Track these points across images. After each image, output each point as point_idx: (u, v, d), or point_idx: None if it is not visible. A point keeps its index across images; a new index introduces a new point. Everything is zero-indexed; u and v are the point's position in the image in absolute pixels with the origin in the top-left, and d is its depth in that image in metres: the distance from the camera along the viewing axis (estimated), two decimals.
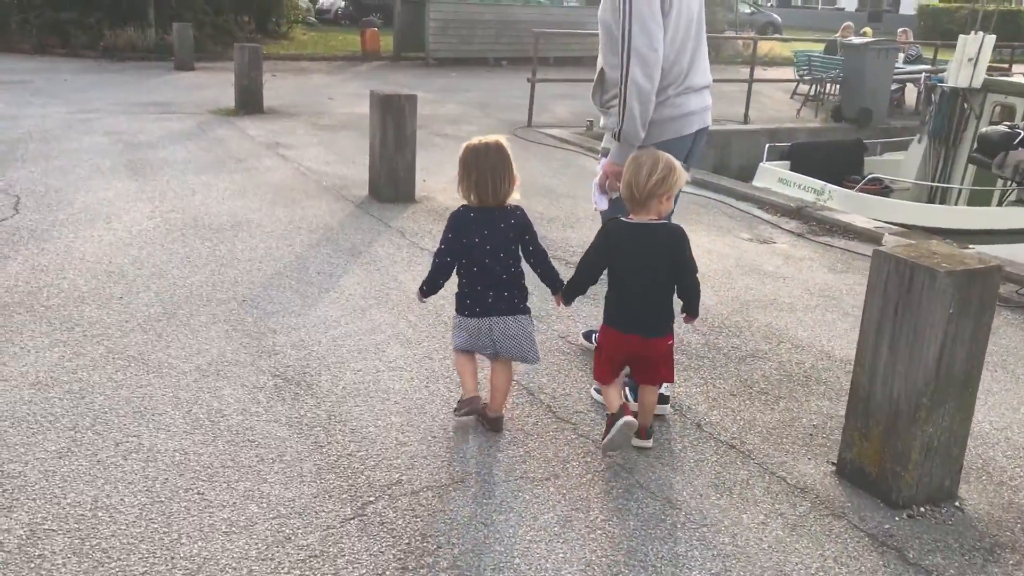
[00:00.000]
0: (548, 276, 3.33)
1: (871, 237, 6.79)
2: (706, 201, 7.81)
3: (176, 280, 4.79)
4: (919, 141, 12.05)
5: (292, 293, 4.70)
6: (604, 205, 3.54)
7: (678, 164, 3.07)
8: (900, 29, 15.81)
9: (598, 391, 3.54)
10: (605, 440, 3.13)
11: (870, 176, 10.57)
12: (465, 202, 3.23)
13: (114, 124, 9.63)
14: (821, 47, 16.54)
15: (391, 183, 6.88)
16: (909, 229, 7.53)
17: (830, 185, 9.95)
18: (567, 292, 3.32)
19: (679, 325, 3.32)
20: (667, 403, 3.56)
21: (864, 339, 3.00)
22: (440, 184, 7.51)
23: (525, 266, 3.30)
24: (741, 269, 5.74)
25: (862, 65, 12.98)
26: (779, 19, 35.75)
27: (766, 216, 7.44)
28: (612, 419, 3.11)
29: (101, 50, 16.52)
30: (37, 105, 10.60)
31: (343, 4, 29.69)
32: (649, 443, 3.26)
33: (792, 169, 11.59)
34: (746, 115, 12.84)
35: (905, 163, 12.21)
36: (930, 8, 38.19)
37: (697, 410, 3.62)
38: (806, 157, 11.85)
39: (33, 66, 14.59)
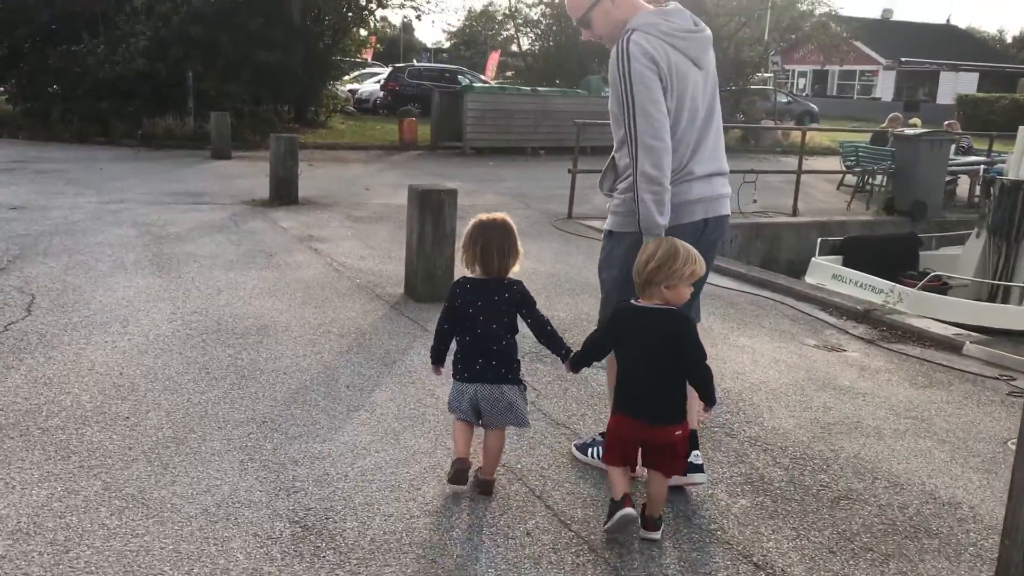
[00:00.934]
0: (551, 344, 3.44)
1: (950, 345, 6.20)
2: (765, 302, 7.28)
3: (191, 396, 4.32)
4: (977, 236, 11.48)
5: (318, 412, 4.20)
6: None
7: (685, 253, 3.05)
8: (947, 121, 15.40)
9: (579, 449, 3.68)
10: (607, 525, 3.10)
11: (933, 274, 9.97)
12: (469, 273, 3.41)
13: (144, 215, 9.36)
14: (867, 137, 16.13)
15: (428, 282, 6.44)
16: (986, 334, 6.93)
17: (897, 285, 9.36)
18: (575, 361, 3.37)
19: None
20: (702, 472, 3.53)
21: (1016, 504, 2.44)
22: None
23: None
24: (814, 383, 5.17)
25: (915, 157, 12.52)
26: (816, 108, 35.61)
27: (831, 320, 6.89)
28: (613, 506, 3.10)
29: (139, 138, 16.55)
30: (69, 195, 10.40)
31: (382, 94, 29.97)
32: (657, 535, 3.17)
33: (845, 264, 11.08)
34: (795, 207, 12.37)
35: (963, 258, 11.62)
36: (969, 98, 37.93)
37: (793, 573, 3.03)
38: (859, 251, 11.34)
39: (71, 155, 14.56)
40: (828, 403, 4.83)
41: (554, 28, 26.47)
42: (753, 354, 5.71)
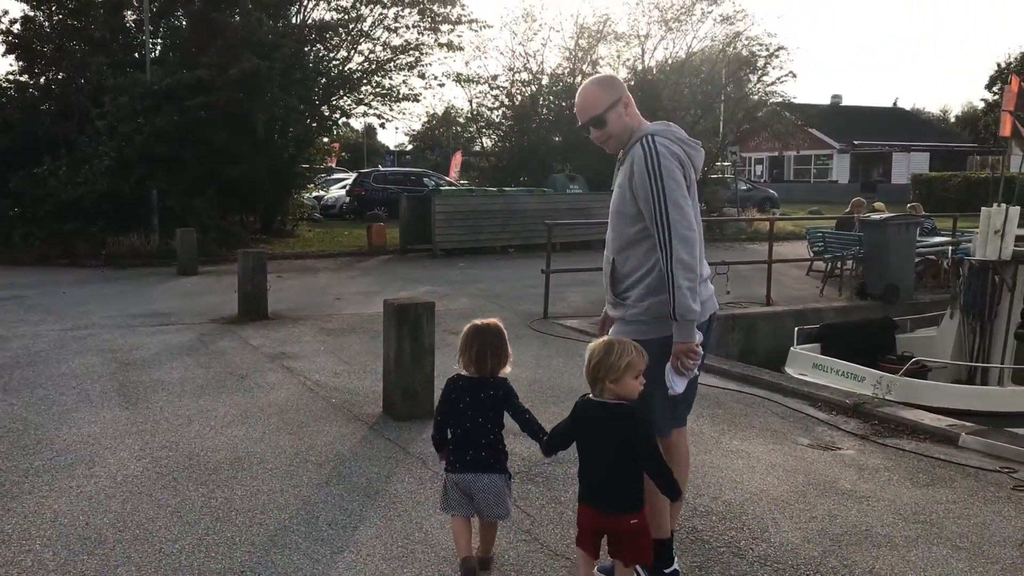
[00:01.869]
0: (530, 430, 3.76)
1: (945, 437, 6.06)
2: (751, 399, 7.14)
3: (163, 546, 4.03)
4: (951, 316, 11.49)
5: (300, 557, 3.93)
6: (681, 388, 3.48)
7: (619, 347, 3.24)
8: (910, 203, 15.65)
9: None
10: None
11: (914, 359, 9.91)
12: (463, 371, 3.73)
13: (109, 340, 9.09)
14: (832, 223, 16.31)
15: (408, 399, 6.23)
16: (977, 422, 6.80)
17: (883, 374, 9.27)
18: (546, 446, 3.58)
19: None
20: None
21: None
22: None
23: None
24: (815, 489, 4.98)
25: (884, 240, 12.62)
26: (775, 194, 36.30)
27: (821, 415, 6.74)
28: None
29: (103, 258, 16.31)
30: (31, 323, 10.11)
31: (348, 199, 30.11)
32: None
33: (823, 351, 10.99)
34: (768, 296, 12.36)
35: (939, 340, 11.60)
36: (923, 177, 38.89)
37: None
38: (837, 338, 11.26)
39: (32, 279, 14.26)
40: (833, 510, 4.64)
41: (515, 129, 26.89)
42: (748, 459, 5.53)
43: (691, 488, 4.91)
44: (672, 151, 3.44)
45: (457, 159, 38.49)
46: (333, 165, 37.36)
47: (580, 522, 3.37)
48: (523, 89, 26.88)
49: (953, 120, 70.79)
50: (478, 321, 3.80)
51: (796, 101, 29.73)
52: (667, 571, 3.60)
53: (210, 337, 9.32)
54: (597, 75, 3.75)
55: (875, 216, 13.18)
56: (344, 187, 31.76)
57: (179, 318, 10.54)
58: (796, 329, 11.15)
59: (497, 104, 27.18)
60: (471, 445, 3.69)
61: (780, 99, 27.35)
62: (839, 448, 5.89)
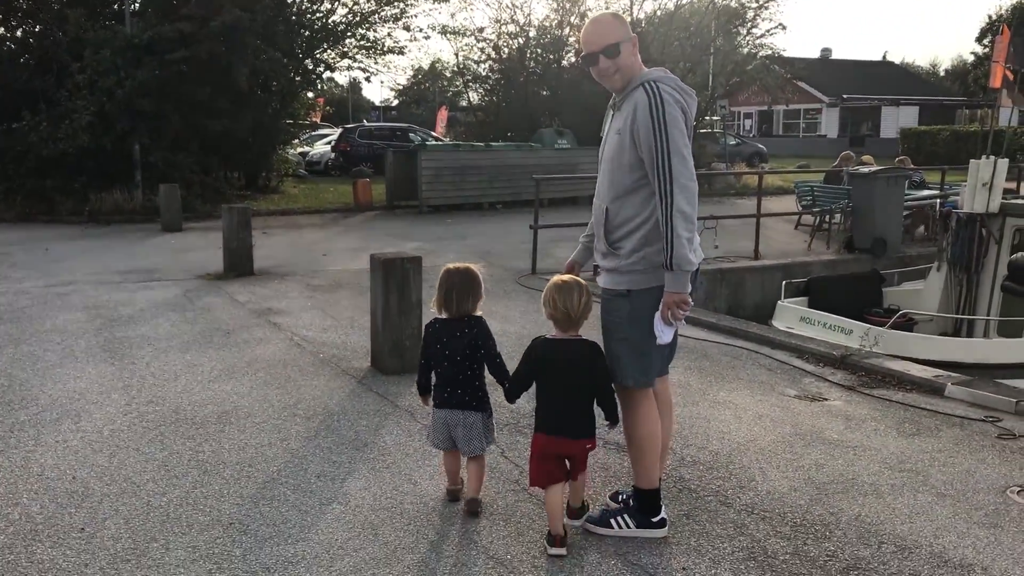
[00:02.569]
0: (497, 375, 3.86)
1: (931, 388, 6.09)
2: (739, 352, 7.15)
3: (150, 499, 4.02)
4: (938, 269, 11.54)
5: (288, 508, 3.93)
6: (668, 337, 3.55)
7: (587, 289, 3.55)
8: (899, 156, 15.59)
9: (596, 523, 3.71)
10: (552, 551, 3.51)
11: (901, 312, 9.95)
12: (437, 314, 3.91)
13: (94, 296, 9.01)
14: (820, 176, 16.28)
15: (395, 354, 6.21)
16: (965, 372, 6.85)
17: (871, 326, 9.30)
18: (509, 393, 3.72)
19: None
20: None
21: None
22: None
23: None
24: (802, 439, 5.01)
25: (872, 194, 12.60)
26: (764, 148, 36.17)
27: (808, 367, 6.77)
28: (551, 540, 3.53)
29: (86, 215, 16.13)
30: (14, 279, 10.01)
31: (333, 155, 29.82)
32: (579, 522, 3.74)
33: (810, 305, 11.03)
34: (756, 250, 12.35)
35: (925, 293, 11.66)
36: (912, 131, 38.82)
37: None
38: (824, 292, 11.31)
39: (14, 236, 14.10)
40: (819, 460, 4.67)
41: (502, 83, 26.60)
42: (735, 410, 5.55)
43: (678, 439, 4.93)
44: (676, 99, 3.37)
45: (443, 114, 38.13)
46: (318, 120, 36.92)
47: (542, 452, 3.54)
48: (510, 42, 26.59)
49: (943, 74, 70.54)
50: (450, 265, 3.95)
51: (786, 54, 29.49)
52: (654, 519, 3.66)
53: (195, 293, 9.25)
54: (609, 10, 3.74)
55: (864, 169, 13.14)
56: (329, 143, 31.44)
57: (164, 274, 10.46)
58: (783, 283, 11.18)
59: (484, 57, 26.89)
60: (449, 383, 3.87)
61: (770, 52, 27.11)
62: (826, 399, 5.91)
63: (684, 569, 3.41)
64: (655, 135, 3.31)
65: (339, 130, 32.82)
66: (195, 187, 17.58)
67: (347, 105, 58.73)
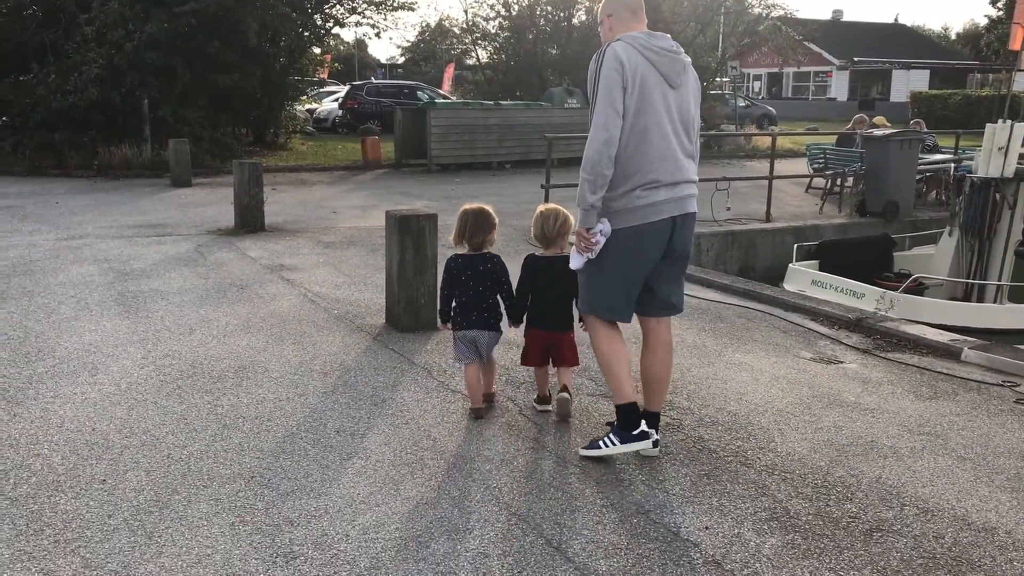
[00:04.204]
0: (507, 302, 4.57)
1: (948, 352, 6.07)
2: (753, 314, 7.13)
3: (171, 451, 4.02)
4: (950, 234, 11.46)
5: (309, 463, 3.93)
6: (576, 264, 3.99)
7: (568, 215, 4.32)
8: (912, 120, 15.42)
9: (590, 447, 4.06)
10: (542, 406, 4.64)
11: (914, 276, 9.89)
12: (458, 250, 4.55)
13: (105, 250, 8.99)
14: (832, 139, 16.12)
15: (410, 311, 6.19)
16: (983, 337, 6.82)
17: (886, 291, 9.25)
18: (515, 315, 4.58)
19: None
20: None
21: None
22: None
23: None
24: (819, 401, 5.00)
25: (885, 157, 12.48)
26: (774, 111, 35.85)
27: (823, 329, 6.75)
28: (542, 400, 4.66)
29: (95, 169, 16.05)
30: (24, 232, 9.99)
31: (340, 112, 29.61)
32: (566, 394, 4.52)
33: (821, 268, 10.99)
34: (768, 213, 12.27)
35: (936, 257, 11.60)
36: (923, 95, 38.42)
37: None
38: (835, 255, 11.25)
39: (24, 189, 14.06)
40: (838, 422, 4.66)
41: (512, 41, 26.30)
42: (752, 372, 5.54)
43: (696, 399, 4.93)
44: (617, 55, 3.72)
45: (450, 72, 37.77)
46: (325, 77, 36.60)
47: (533, 344, 4.51)
48: None
49: (954, 38, 69.67)
50: (467, 205, 4.57)
51: (798, 15, 29.08)
52: (635, 432, 3.93)
53: (207, 248, 9.23)
54: None
55: (878, 132, 13.00)
56: (336, 100, 31.19)
57: (175, 229, 10.43)
58: (795, 246, 11.12)
59: (494, 14, 26.54)
60: (475, 309, 4.49)
61: (782, 12, 26.74)
62: (842, 362, 5.90)
63: (707, 528, 3.41)
64: (590, 88, 3.81)
65: (346, 87, 32.56)
66: (204, 142, 17.48)
67: (353, 63, 58.22)
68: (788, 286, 10.41)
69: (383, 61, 70.91)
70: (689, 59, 3.97)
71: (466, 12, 27.20)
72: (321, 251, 9.21)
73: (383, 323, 6.38)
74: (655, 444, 4.01)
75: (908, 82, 45.73)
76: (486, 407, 4.60)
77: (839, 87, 47.88)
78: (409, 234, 6.11)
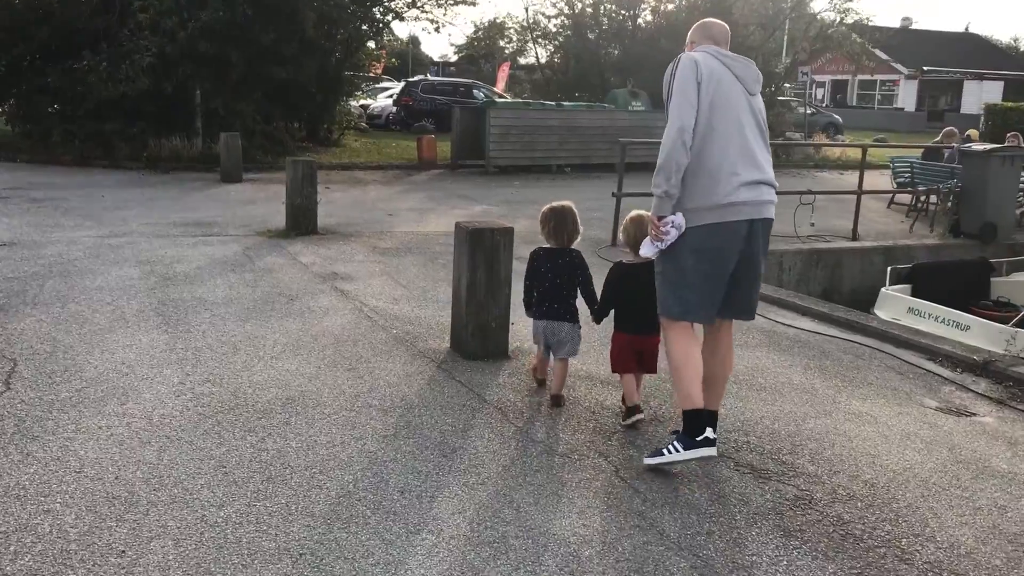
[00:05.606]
0: (588, 303, 4.67)
1: None
2: (860, 349, 6.33)
3: (206, 512, 3.35)
4: None
5: (369, 534, 3.24)
6: (647, 252, 3.97)
7: (642, 219, 4.31)
8: (1009, 133, 14.37)
9: (652, 456, 3.98)
10: (625, 422, 4.47)
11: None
12: (545, 243, 4.71)
13: (149, 250, 8.42)
14: (918, 152, 15.10)
15: (479, 336, 5.48)
16: None
17: (1017, 330, 8.32)
18: (597, 315, 4.66)
19: None
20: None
21: None
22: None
23: None
24: (966, 468, 4.20)
25: (985, 174, 11.51)
26: (840, 119, 34.62)
27: (944, 372, 5.93)
28: (630, 410, 4.46)
29: (144, 161, 15.60)
30: (67, 227, 9.47)
31: (395, 109, 29.07)
32: (638, 417, 4.44)
33: (914, 293, 10.10)
34: (855, 231, 11.37)
35: None
36: (997, 108, 36.86)
37: None
38: (929, 280, 10.34)
39: (71, 180, 13.61)
40: (997, 500, 3.87)
41: (573, 40, 25.51)
42: (876, 425, 4.75)
43: (822, 462, 4.17)
44: (692, 58, 3.85)
45: (504, 70, 37.09)
46: (379, 73, 36.13)
47: (625, 349, 4.49)
48: None
49: (1022, 50, 67.39)
50: (554, 203, 4.75)
51: (872, 22, 27.94)
52: (698, 439, 3.83)
53: (256, 251, 8.62)
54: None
55: (976, 147, 12.03)
56: (391, 96, 30.65)
57: (223, 229, 9.85)
58: (888, 269, 10.24)
59: (555, 12, 25.78)
60: (550, 299, 4.68)
61: (856, 17, 25.64)
62: (974, 414, 5.10)
63: None
64: (665, 92, 3.89)
65: (401, 84, 32.02)
66: (256, 137, 16.96)
67: (407, 59, 57.83)
68: (880, 312, 9.54)
69: (436, 59, 70.50)
70: (761, 76, 4.10)
71: (527, 9, 26.41)
72: (377, 258, 8.55)
73: (447, 348, 5.69)
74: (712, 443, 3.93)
75: (980, 94, 44.03)
76: (554, 396, 4.72)
77: (906, 97, 46.32)
78: (482, 250, 5.40)
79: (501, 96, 27.90)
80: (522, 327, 6.10)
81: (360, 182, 15.39)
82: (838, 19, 25.90)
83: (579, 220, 4.73)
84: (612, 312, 4.59)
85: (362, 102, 28.42)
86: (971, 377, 5.85)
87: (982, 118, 37.86)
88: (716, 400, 4.18)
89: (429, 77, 37.06)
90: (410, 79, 32.90)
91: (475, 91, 29.42)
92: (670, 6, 23.71)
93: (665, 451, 3.90)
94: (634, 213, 4.46)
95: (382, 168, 17.65)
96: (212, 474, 3.68)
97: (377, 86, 33.50)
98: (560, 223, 4.68)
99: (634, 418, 4.40)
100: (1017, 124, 33.80)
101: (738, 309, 4.06)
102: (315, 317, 6.30)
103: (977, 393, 5.52)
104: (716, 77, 3.81)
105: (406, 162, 18.49)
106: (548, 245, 4.75)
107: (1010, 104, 37.41)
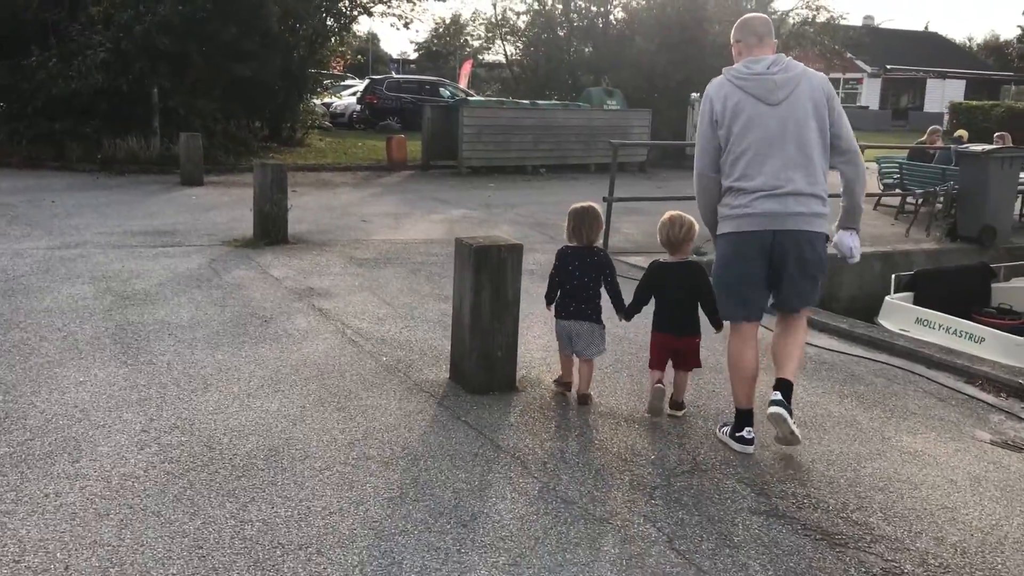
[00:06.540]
0: (615, 302, 4.73)
1: None
2: (892, 372, 5.81)
3: None
4: None
5: None
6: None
7: (693, 221, 4.52)
8: (997, 134, 14.03)
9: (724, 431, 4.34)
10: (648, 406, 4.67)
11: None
12: (569, 243, 4.78)
13: (104, 264, 7.66)
14: (904, 153, 14.71)
15: (484, 366, 4.85)
16: None
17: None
18: (628, 312, 4.71)
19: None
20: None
21: None
22: (539, 353, 5.54)
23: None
24: None
25: (984, 176, 11.10)
26: None
27: (987, 397, 5.44)
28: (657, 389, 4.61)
29: (98, 163, 14.68)
30: (13, 237, 8.65)
31: (359, 107, 28.25)
32: (680, 412, 4.67)
33: (916, 300, 9.65)
34: None
35: None
36: (963, 106, 36.98)
37: None
38: (932, 287, 9.91)
39: (19, 184, 12.70)
40: None
41: (543, 37, 24.89)
42: (939, 468, 4.22)
43: (896, 519, 3.62)
44: (708, 94, 4.21)
45: (467, 68, 36.40)
46: (340, 71, 35.20)
47: (659, 348, 4.60)
48: None
49: (975, 49, 68.17)
50: (577, 204, 4.78)
51: (844, 22, 27.66)
52: (737, 435, 4.20)
53: (223, 264, 7.90)
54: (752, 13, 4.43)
55: (974, 148, 11.63)
56: (355, 94, 29.81)
57: (185, 238, 9.10)
58: (892, 276, 9.78)
59: (526, 8, 25.12)
60: (575, 299, 4.68)
61: (828, 15, 25.31)
62: None
63: None
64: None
65: (365, 81, 31.19)
66: (217, 136, 16.11)
67: (368, 56, 56.86)
68: (885, 323, 9.07)
69: (395, 56, 69.65)
70: (795, 71, 4.08)
71: (494, 6, 25.76)
72: (355, 271, 7.88)
73: (446, 379, 5.06)
74: (781, 406, 4.08)
75: (943, 92, 44.23)
76: (581, 395, 4.77)
77: (870, 95, 46.36)
78: (487, 270, 4.76)
79: (468, 94, 27.22)
80: (531, 348, 5.49)
81: (328, 184, 14.65)
82: (810, 16, 25.54)
83: (601, 220, 4.81)
84: (652, 311, 4.69)
85: (325, 100, 27.58)
86: (1019, 403, 5.36)
87: (946, 116, 38.03)
88: (787, 371, 4.22)
89: (394, 75, 36.29)
90: (374, 77, 32.08)
91: (442, 89, 28.73)
92: (642, 2, 23.16)
93: (719, 431, 4.38)
94: (669, 214, 4.55)
95: (351, 169, 16.90)
96: (185, 559, 3.01)
97: (341, 84, 32.61)
98: (579, 223, 4.72)
99: (676, 413, 4.68)
100: (982, 122, 34.01)
101: (786, 307, 4.27)
102: (293, 342, 5.62)
103: None
104: (731, 105, 4.09)
105: (375, 163, 17.77)
106: (573, 244, 4.75)
107: (975, 102, 37.60)
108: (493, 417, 4.50)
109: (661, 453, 4.16)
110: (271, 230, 8.92)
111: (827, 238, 4.19)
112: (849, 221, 4.30)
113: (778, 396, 4.10)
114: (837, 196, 4.33)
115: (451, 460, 3.94)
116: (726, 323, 4.46)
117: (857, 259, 4.37)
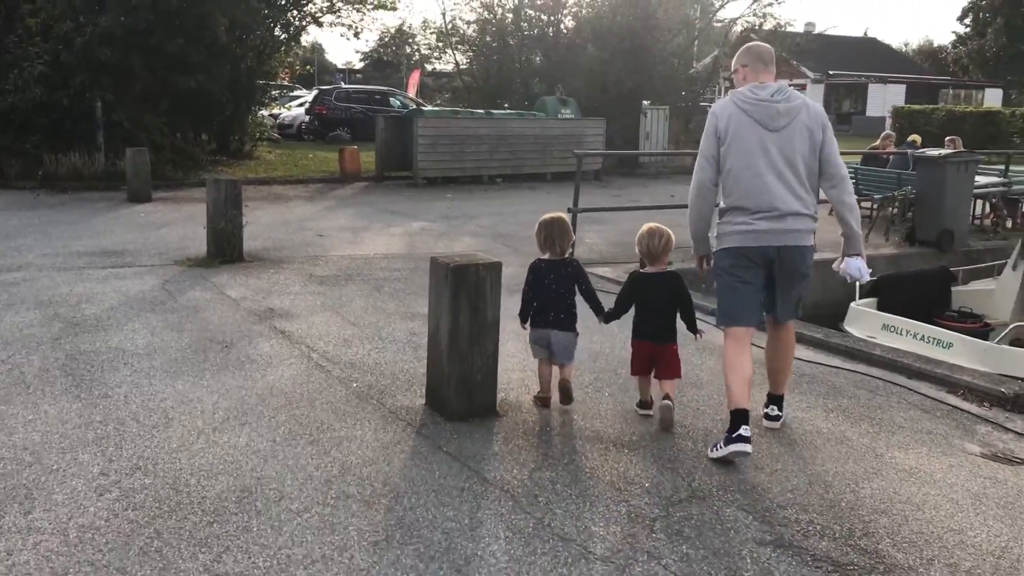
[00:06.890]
0: (593, 307, 4.85)
1: None
2: (873, 383, 5.72)
3: None
4: (1014, 267, 10.21)
5: None
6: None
7: (671, 234, 4.76)
8: (948, 138, 14.16)
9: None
10: (642, 411, 4.83)
11: (1014, 325, 8.53)
12: (541, 255, 4.87)
13: (50, 288, 7.28)
14: (857, 159, 14.80)
15: (464, 391, 4.63)
16: None
17: (1010, 347, 7.85)
18: (607, 317, 4.83)
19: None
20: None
21: None
22: (516, 373, 5.34)
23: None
24: None
25: (941, 181, 11.16)
26: None
27: (971, 408, 5.37)
28: (644, 405, 4.83)
29: (39, 180, 14.13)
30: None
31: (307, 118, 27.80)
32: (669, 403, 4.65)
33: (879, 307, 9.64)
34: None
35: (998, 293, 10.34)
36: (905, 110, 37.65)
37: None
38: (895, 292, 9.90)
39: None
40: None
41: (494, 45, 24.73)
42: (936, 485, 4.11)
43: (904, 545, 3.49)
44: (714, 111, 4.45)
45: (415, 77, 36.11)
46: (286, 81, 34.67)
47: (640, 355, 4.72)
48: (503, 1, 24.70)
49: (912, 54, 69.79)
50: (546, 215, 4.87)
51: (792, 27, 27.99)
52: (733, 435, 4.17)
53: (177, 285, 7.56)
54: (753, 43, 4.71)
55: (931, 152, 11.70)
56: (303, 105, 29.34)
57: (136, 258, 8.72)
58: (857, 282, 9.74)
59: (476, 17, 24.93)
60: (553, 309, 4.74)
61: (775, 21, 25.55)
62: (1021, 460, 4.51)
63: None
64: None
65: (313, 92, 30.73)
66: (165, 151, 15.63)
67: (313, 66, 56.24)
68: (852, 329, 9.02)
69: (340, 66, 69.12)
70: (796, 101, 4.33)
71: (443, 15, 25.53)
72: (315, 289, 7.60)
73: (422, 404, 4.83)
74: (776, 420, 4.74)
75: (885, 96, 45.04)
76: (563, 390, 4.77)
77: (814, 100, 46.92)
78: (465, 290, 4.55)
79: (419, 104, 26.95)
80: (509, 369, 5.28)
81: (281, 198, 14.29)
82: (757, 24, 25.76)
83: (571, 230, 4.94)
84: (630, 319, 4.84)
85: (272, 111, 27.07)
86: (1003, 413, 5.29)
87: (888, 120, 38.68)
88: (778, 386, 4.78)
89: (343, 85, 35.84)
90: (323, 87, 31.64)
91: (392, 99, 28.43)
92: (591, 11, 23.12)
93: (711, 449, 4.33)
94: (648, 226, 4.75)
95: (303, 182, 16.54)
96: None
97: (289, 95, 32.08)
98: (549, 235, 4.80)
99: (646, 411, 4.78)
100: (924, 126, 34.56)
101: (775, 314, 4.59)
102: (258, 369, 5.34)
103: (1017, 433, 4.95)
104: (734, 125, 4.33)
105: (328, 175, 17.42)
106: (545, 257, 4.83)
107: (917, 107, 38.30)
108: (476, 446, 4.27)
109: (655, 480, 3.98)
110: (226, 248, 8.59)
111: (814, 248, 4.55)
112: (851, 249, 4.53)
113: (776, 411, 4.74)
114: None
115: (436, 496, 3.71)
116: (708, 331, 4.93)
117: (867, 279, 4.79)
